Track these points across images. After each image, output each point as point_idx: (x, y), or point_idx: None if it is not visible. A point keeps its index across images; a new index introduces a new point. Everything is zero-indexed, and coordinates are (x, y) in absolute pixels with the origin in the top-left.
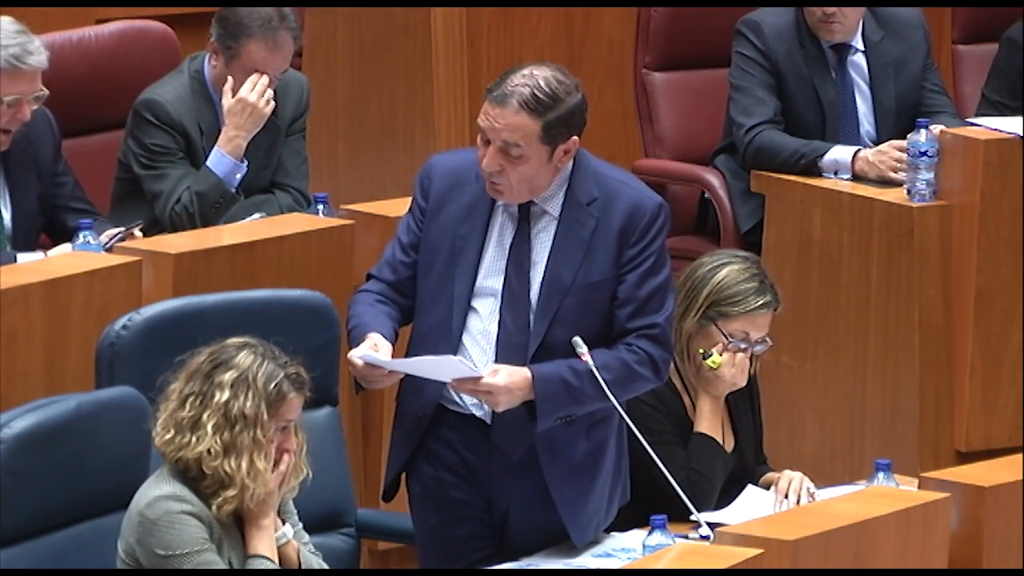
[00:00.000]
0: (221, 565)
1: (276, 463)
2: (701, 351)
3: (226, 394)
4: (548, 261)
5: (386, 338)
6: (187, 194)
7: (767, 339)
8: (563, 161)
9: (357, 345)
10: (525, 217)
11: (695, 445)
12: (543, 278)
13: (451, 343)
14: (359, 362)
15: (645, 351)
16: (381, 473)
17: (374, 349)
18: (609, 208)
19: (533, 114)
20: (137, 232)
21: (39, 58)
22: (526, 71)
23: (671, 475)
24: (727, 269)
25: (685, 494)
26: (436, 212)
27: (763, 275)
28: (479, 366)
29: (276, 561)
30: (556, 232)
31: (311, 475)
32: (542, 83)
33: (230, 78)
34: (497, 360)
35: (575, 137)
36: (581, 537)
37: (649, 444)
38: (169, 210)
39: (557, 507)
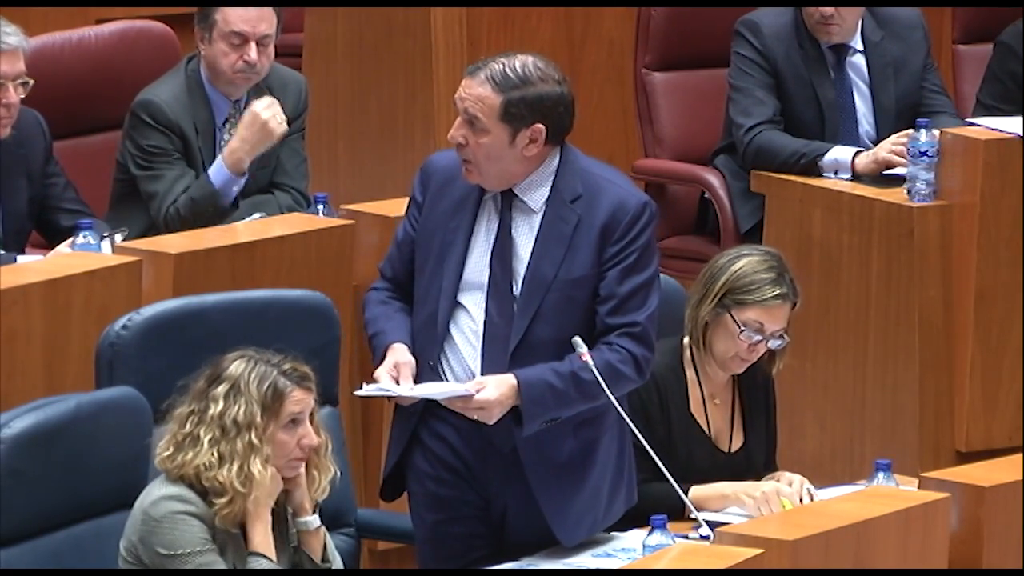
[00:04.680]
0: (222, 566)
1: (298, 461)
2: None
3: (220, 406)
4: (531, 257)
5: (407, 345)
6: (184, 198)
7: (784, 335)
8: (529, 150)
9: (379, 356)
10: (507, 209)
11: (652, 493)
12: (525, 274)
13: (438, 337)
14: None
15: (627, 350)
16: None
17: (394, 371)
18: (593, 205)
19: (496, 89)
20: (118, 237)
21: (16, 39)
22: (512, 53)
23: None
24: (746, 260)
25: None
26: (431, 208)
27: (782, 268)
28: (467, 359)
29: (274, 559)
30: (539, 228)
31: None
32: (517, 64)
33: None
34: (483, 352)
35: (540, 126)
36: (568, 537)
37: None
38: (164, 212)
39: (540, 507)
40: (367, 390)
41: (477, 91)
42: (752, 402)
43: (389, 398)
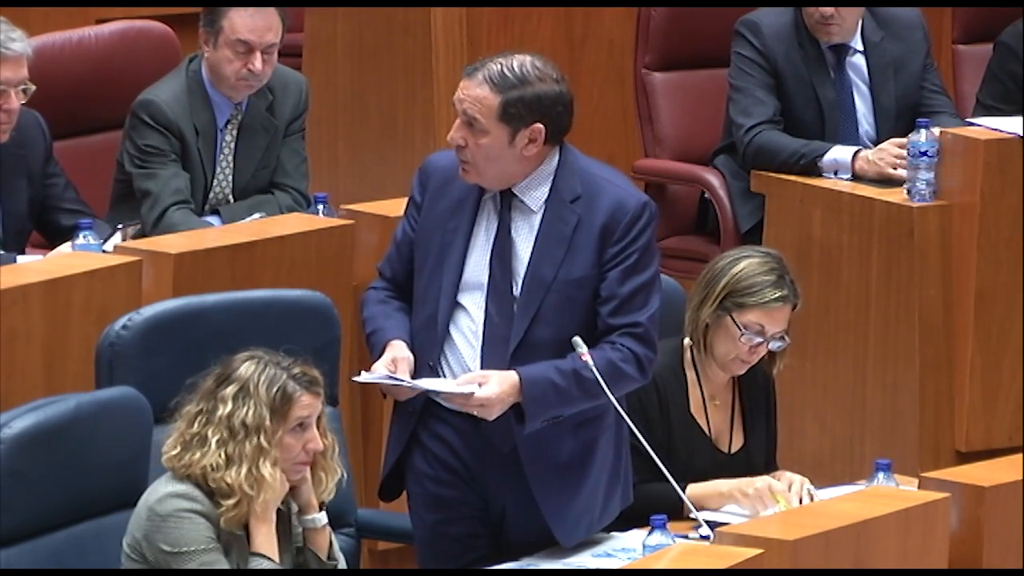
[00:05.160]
0: (225, 566)
1: (303, 464)
2: None
3: (228, 407)
4: (531, 257)
5: (406, 342)
6: (186, 223)
7: (785, 337)
8: (528, 150)
9: (377, 352)
10: (507, 209)
11: (651, 493)
12: (525, 275)
13: (438, 337)
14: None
15: (630, 349)
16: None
17: (392, 366)
18: (592, 206)
19: (494, 89)
20: (131, 230)
21: (21, 44)
22: (510, 53)
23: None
24: (746, 262)
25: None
26: (430, 209)
27: (783, 270)
28: (467, 360)
29: (276, 560)
30: (539, 228)
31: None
32: (515, 64)
33: None
34: (483, 352)
35: (539, 125)
36: (567, 538)
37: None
38: (157, 214)
39: (540, 507)
40: (366, 376)
41: (475, 92)
42: (752, 403)
43: (385, 392)
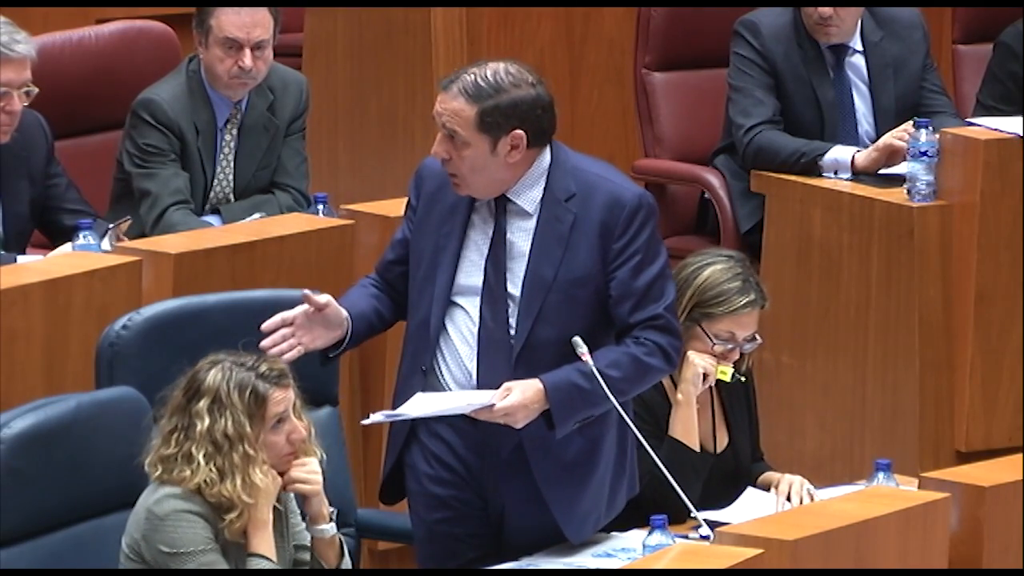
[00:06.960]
0: (224, 566)
1: (291, 455)
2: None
3: (206, 421)
4: (529, 259)
5: (354, 318)
6: (185, 223)
7: (756, 337)
8: (512, 156)
9: None
10: (502, 214)
11: (664, 449)
12: (525, 276)
13: (431, 342)
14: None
15: (654, 342)
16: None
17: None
18: (587, 203)
19: (470, 100)
20: (123, 227)
21: (26, 47)
22: (483, 62)
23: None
24: (710, 270)
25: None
26: (425, 213)
27: (747, 273)
28: (464, 360)
29: (275, 560)
30: (536, 229)
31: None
32: (488, 73)
33: None
34: (480, 356)
35: (519, 131)
36: (577, 534)
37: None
38: (157, 214)
39: (549, 505)
40: (374, 418)
41: (452, 105)
42: (732, 400)
43: (404, 419)
